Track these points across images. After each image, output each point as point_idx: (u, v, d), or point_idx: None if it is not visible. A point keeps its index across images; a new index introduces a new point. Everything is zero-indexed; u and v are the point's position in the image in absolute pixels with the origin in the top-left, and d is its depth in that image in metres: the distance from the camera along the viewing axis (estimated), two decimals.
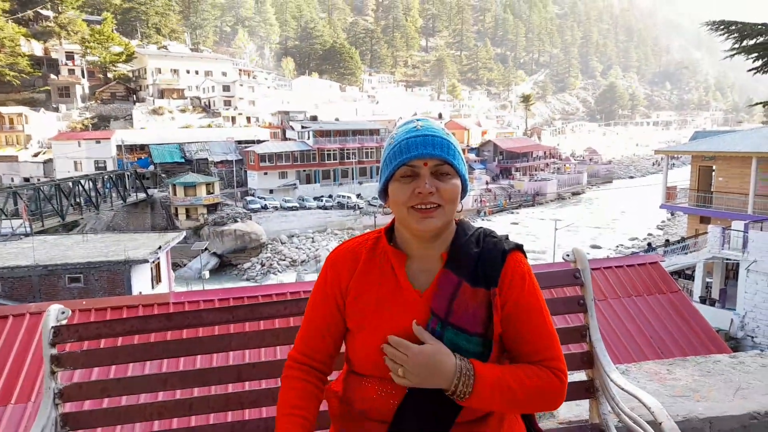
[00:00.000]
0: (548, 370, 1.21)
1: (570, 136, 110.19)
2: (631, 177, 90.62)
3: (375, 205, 52.91)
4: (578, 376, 1.99)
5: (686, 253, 21.53)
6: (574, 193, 74.11)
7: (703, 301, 20.24)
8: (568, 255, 2.01)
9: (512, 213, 62.03)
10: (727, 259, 19.65)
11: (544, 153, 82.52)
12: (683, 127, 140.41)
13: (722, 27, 9.37)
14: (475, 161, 73.93)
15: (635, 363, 3.08)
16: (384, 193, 1.29)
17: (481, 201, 62.03)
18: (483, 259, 1.25)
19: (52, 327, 1.79)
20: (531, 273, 1.29)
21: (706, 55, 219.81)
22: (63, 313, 1.86)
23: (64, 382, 1.79)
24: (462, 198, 1.27)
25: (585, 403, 2.00)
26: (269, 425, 1.81)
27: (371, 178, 59.82)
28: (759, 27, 8.90)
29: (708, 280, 21.08)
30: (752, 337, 18.30)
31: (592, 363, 1.88)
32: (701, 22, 11.08)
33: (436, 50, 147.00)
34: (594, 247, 46.64)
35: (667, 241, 28.33)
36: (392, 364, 1.19)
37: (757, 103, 11.36)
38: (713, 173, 23.73)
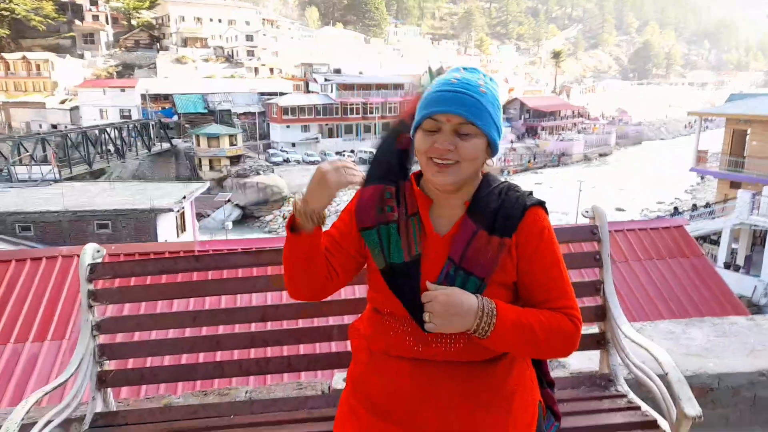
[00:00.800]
0: (564, 315, 1.25)
1: (600, 94, 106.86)
2: (662, 139, 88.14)
3: None
4: (591, 329, 2.04)
5: (713, 218, 21.14)
6: (601, 155, 72.56)
7: (727, 266, 20.01)
8: (587, 212, 2.02)
9: (536, 173, 61.22)
10: (755, 226, 19.27)
11: (573, 112, 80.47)
12: (720, 89, 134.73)
13: None
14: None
15: (651, 322, 3.12)
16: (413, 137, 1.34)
17: (504, 160, 61.25)
18: (503, 211, 1.29)
19: (89, 264, 1.89)
20: (550, 228, 1.32)
21: (748, 14, 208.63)
22: (98, 251, 1.96)
23: (100, 316, 1.90)
24: (492, 156, 1.32)
25: (596, 355, 2.05)
26: (291, 362, 1.91)
27: None
28: None
29: (734, 246, 20.77)
30: None
31: (604, 316, 1.92)
32: None
33: (465, 2, 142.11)
34: (618, 209, 45.98)
35: (694, 205, 27.80)
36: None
37: None
38: (747, 137, 22.97)
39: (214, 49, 71.00)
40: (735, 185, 22.55)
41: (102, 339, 1.91)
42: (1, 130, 52.98)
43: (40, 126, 52.36)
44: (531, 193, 1.38)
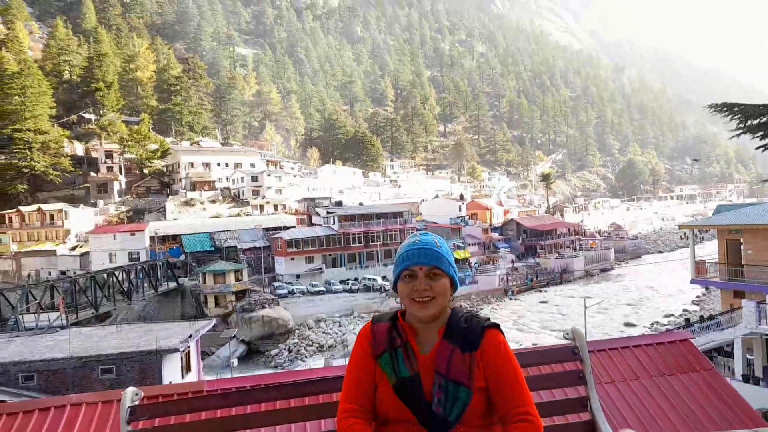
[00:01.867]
0: (526, 422, 1.68)
1: (593, 212, 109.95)
2: (660, 251, 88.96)
3: None
4: None
5: (722, 330, 20.86)
6: (603, 270, 72.89)
7: (746, 379, 19.33)
8: (567, 334, 2.31)
9: (540, 291, 61.02)
10: (766, 335, 18.98)
11: (569, 230, 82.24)
12: (708, 200, 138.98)
13: (725, 109, 9.87)
14: (499, 240, 73.96)
15: None
16: (395, 288, 1.87)
17: (507, 280, 61.39)
18: (468, 333, 1.77)
19: (129, 407, 2.13)
20: (505, 343, 1.81)
21: (723, 128, 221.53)
22: (137, 394, 2.21)
23: None
24: (453, 293, 1.83)
25: None
26: None
27: None
28: (761, 108, 9.35)
29: (749, 357, 20.25)
30: None
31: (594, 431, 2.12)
32: (704, 103, 11.58)
33: (455, 135, 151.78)
34: (628, 324, 45.21)
35: (702, 317, 27.47)
36: None
37: None
38: (741, 246, 23.43)
39: (221, 191, 74.55)
40: (738, 294, 22.54)
41: None
42: (12, 279, 53.84)
43: (50, 273, 53.28)
44: (488, 318, 1.87)
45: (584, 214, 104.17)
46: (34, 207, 61.55)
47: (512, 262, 67.88)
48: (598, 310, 44.70)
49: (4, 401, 7.16)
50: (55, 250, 56.99)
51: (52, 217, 60.82)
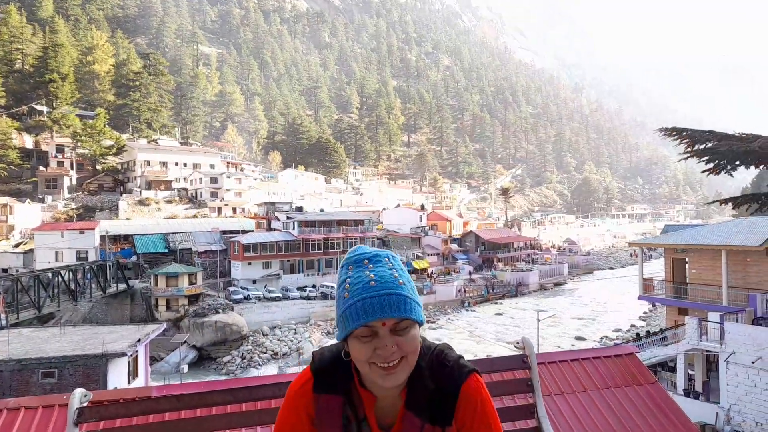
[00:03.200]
0: None
1: (549, 227, 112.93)
2: (611, 268, 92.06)
3: None
4: None
5: (666, 345, 21.73)
6: (556, 284, 74.79)
7: (687, 393, 20.17)
8: (518, 343, 2.40)
9: (496, 303, 62.07)
10: (707, 351, 19.88)
11: (525, 244, 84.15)
12: (657, 220, 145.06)
13: (675, 133, 10.37)
14: (458, 251, 74.95)
15: None
16: (343, 341, 1.34)
17: (464, 291, 62.16)
18: (438, 395, 1.31)
19: (77, 408, 2.08)
20: (486, 398, 1.37)
21: (672, 151, 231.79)
22: (85, 395, 2.16)
23: None
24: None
25: None
26: None
27: None
28: (706, 134, 9.87)
29: (690, 372, 21.15)
30: None
31: None
32: (657, 127, 12.17)
33: (418, 145, 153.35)
34: (579, 338, 46.48)
35: (648, 332, 28.55)
36: None
37: (714, 201, 12.25)
38: (686, 265, 24.53)
39: (178, 191, 72.74)
40: (683, 311, 23.57)
41: None
42: None
43: None
44: (461, 357, 1.41)
45: (540, 229, 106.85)
46: None
47: (470, 273, 68.84)
48: (551, 323, 45.83)
49: None
50: None
51: None
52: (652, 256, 77.75)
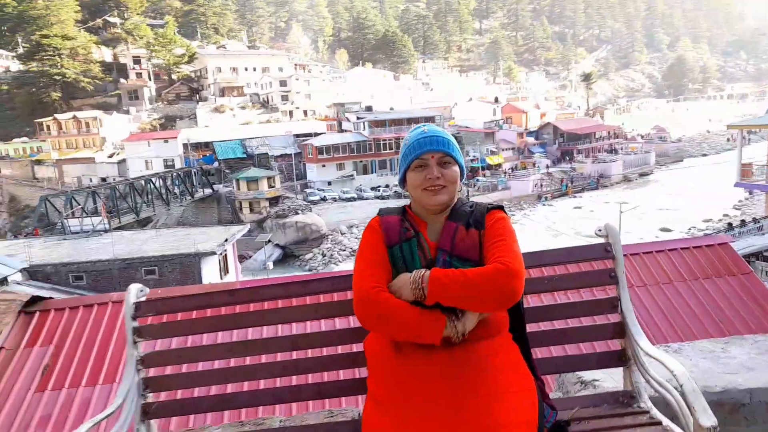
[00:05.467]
0: (496, 263, 1.53)
1: (636, 114, 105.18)
2: (704, 155, 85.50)
3: None
4: (613, 346, 2.06)
5: (764, 234, 20.27)
6: (642, 174, 70.91)
7: None
8: (600, 230, 2.08)
9: (575, 197, 60.19)
10: None
11: (608, 133, 79.29)
12: (762, 99, 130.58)
13: None
14: (534, 145, 72.13)
15: (690, 342, 3.08)
16: (402, 181, 1.79)
17: (541, 186, 60.55)
18: (474, 213, 1.71)
19: (134, 303, 2.06)
20: (507, 219, 1.71)
21: None
22: (142, 291, 2.14)
23: (144, 351, 2.06)
24: (461, 179, 1.74)
25: (619, 373, 2.07)
26: (321, 390, 2.01)
27: None
28: None
29: None
30: None
31: (623, 333, 1.95)
32: None
33: (491, 32, 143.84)
34: (664, 230, 44.59)
35: (743, 221, 26.72)
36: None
37: None
38: None
39: (250, 97, 73.74)
40: None
41: (145, 373, 2.06)
42: (55, 185, 56.00)
43: (91, 180, 55.09)
44: (492, 203, 1.80)
45: (626, 116, 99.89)
46: (70, 115, 62.48)
47: (547, 167, 66.55)
48: (635, 215, 43.96)
49: (51, 298, 7.59)
50: (93, 158, 58.49)
51: (87, 125, 61.82)
52: (752, 139, 71.14)
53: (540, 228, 46.20)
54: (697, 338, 6.00)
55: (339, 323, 3.10)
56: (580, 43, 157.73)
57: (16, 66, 71.61)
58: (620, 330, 1.96)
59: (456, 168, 1.71)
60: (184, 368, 2.31)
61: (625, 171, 69.03)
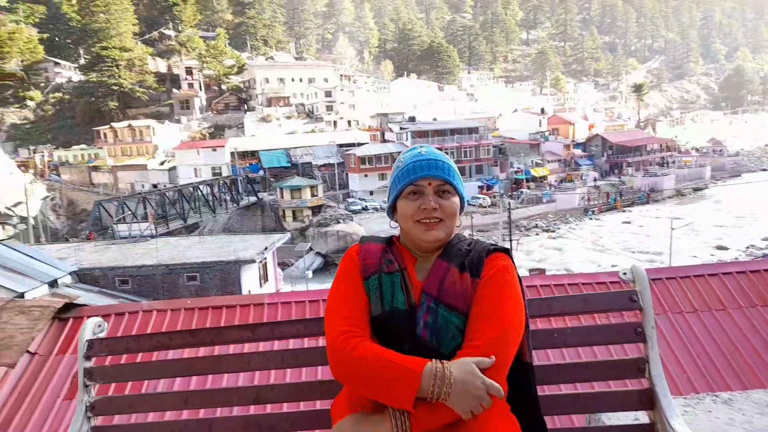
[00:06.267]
0: (469, 349, 1.28)
1: (690, 126, 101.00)
2: (764, 169, 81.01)
3: (474, 204, 52.00)
4: (641, 417, 1.70)
5: None
6: (696, 189, 67.77)
7: None
8: (624, 273, 1.72)
9: (624, 211, 58.02)
10: None
11: (660, 146, 76.27)
12: None
13: None
14: (581, 157, 70.14)
15: (743, 391, 2.64)
16: (392, 210, 1.54)
17: (588, 199, 58.67)
18: (472, 254, 1.43)
19: (87, 340, 1.85)
20: (511, 269, 1.40)
21: None
22: (99, 326, 1.92)
23: (96, 396, 1.83)
24: (460, 213, 1.47)
25: None
26: None
27: (470, 177, 58.92)
28: None
29: None
30: None
31: (652, 404, 1.59)
32: None
33: (538, 43, 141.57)
34: (720, 248, 42.31)
35: None
36: None
37: None
38: None
39: (296, 107, 74.96)
40: None
41: (96, 421, 1.83)
42: (110, 191, 58.31)
43: (143, 186, 57.05)
44: (496, 244, 1.49)
45: (680, 129, 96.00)
46: (125, 123, 65.06)
47: (594, 180, 64.53)
48: (687, 232, 41.89)
49: (85, 305, 7.67)
50: (146, 165, 60.61)
51: (141, 133, 64.20)
52: None
53: (585, 243, 44.67)
54: (753, 384, 5.37)
55: (306, 374, 2.77)
56: (631, 53, 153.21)
57: (77, 77, 75.35)
58: (648, 400, 1.59)
59: (456, 199, 1.45)
60: (134, 418, 2.07)
61: (677, 185, 66.15)
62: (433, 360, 1.23)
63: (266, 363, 1.75)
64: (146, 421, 1.84)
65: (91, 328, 1.88)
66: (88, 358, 1.83)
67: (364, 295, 1.39)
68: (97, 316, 6.66)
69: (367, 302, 1.39)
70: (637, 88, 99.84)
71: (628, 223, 52.71)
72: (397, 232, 1.58)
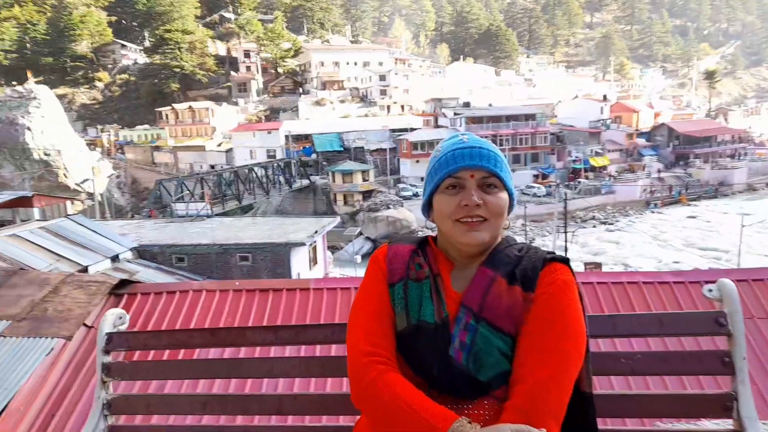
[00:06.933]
0: (516, 401, 1.06)
1: (766, 116, 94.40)
2: None
3: (528, 194, 50.71)
4: None
5: None
6: None
7: None
8: (710, 290, 1.44)
9: (689, 205, 55.09)
10: None
11: (732, 137, 71.70)
12: None
13: None
14: (645, 147, 66.95)
15: None
16: (428, 206, 1.29)
17: (651, 191, 56.03)
18: (524, 262, 1.19)
19: (106, 333, 1.74)
20: (573, 285, 1.16)
21: None
22: (120, 318, 1.81)
23: (113, 393, 1.73)
24: (509, 213, 1.24)
25: None
26: None
27: (525, 165, 57.45)
28: None
29: None
30: None
31: None
32: None
33: (602, 26, 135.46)
34: None
35: None
36: None
37: None
38: None
39: (350, 91, 75.10)
40: None
41: (114, 420, 1.73)
42: (171, 170, 60.54)
43: (201, 167, 58.89)
44: (553, 252, 1.25)
45: (755, 119, 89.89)
46: (185, 105, 67.14)
47: (658, 171, 61.50)
48: (760, 229, 39.25)
49: (139, 282, 7.92)
50: (204, 146, 62.47)
51: (200, 114, 66.12)
52: None
53: (646, 237, 42.71)
54: None
55: (331, 385, 2.57)
56: (703, 38, 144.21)
57: (142, 59, 78.27)
58: None
59: (504, 195, 1.20)
60: (152, 420, 1.97)
61: (750, 179, 62.11)
62: (462, 418, 1.01)
63: (289, 370, 1.59)
64: (164, 424, 1.72)
65: (111, 320, 1.78)
66: (106, 352, 1.73)
67: (390, 307, 1.20)
68: (150, 293, 6.76)
69: (393, 315, 1.19)
70: (709, 75, 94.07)
71: (694, 217, 50.03)
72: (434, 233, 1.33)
